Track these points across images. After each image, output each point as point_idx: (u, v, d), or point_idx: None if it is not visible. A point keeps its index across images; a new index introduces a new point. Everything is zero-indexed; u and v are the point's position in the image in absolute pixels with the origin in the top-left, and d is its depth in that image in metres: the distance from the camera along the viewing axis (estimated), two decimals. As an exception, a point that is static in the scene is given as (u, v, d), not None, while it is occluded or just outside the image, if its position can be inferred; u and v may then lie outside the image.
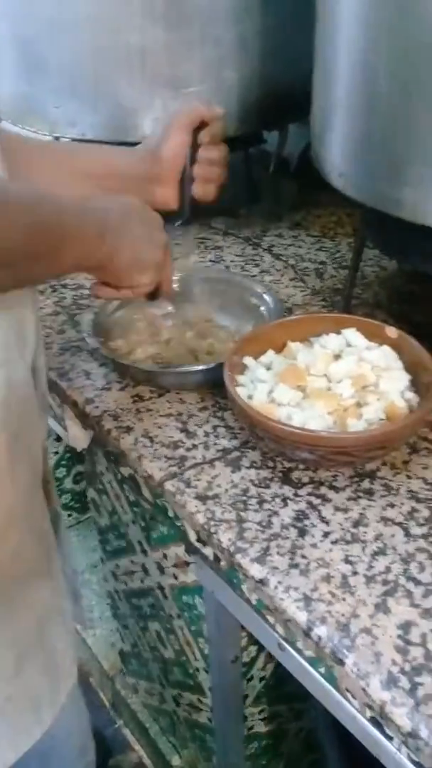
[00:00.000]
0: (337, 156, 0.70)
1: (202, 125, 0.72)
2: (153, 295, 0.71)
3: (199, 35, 0.92)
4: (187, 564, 0.80)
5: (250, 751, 1.01)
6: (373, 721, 0.52)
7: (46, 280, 0.59)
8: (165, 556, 0.86)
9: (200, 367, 0.77)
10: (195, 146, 0.71)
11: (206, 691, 0.93)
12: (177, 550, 0.82)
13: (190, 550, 0.76)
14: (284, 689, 0.96)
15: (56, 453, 1.59)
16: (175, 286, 0.76)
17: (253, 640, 0.84)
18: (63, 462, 1.61)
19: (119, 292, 0.66)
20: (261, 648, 0.87)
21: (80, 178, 0.71)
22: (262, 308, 0.86)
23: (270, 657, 0.89)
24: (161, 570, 0.89)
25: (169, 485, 0.67)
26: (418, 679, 0.49)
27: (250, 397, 0.67)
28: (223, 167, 0.74)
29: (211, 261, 1.06)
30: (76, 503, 1.70)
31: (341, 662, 0.51)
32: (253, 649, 0.87)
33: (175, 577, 0.86)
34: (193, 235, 0.77)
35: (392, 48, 0.60)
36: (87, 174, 0.71)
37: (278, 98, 1.00)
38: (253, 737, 0.99)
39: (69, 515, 1.72)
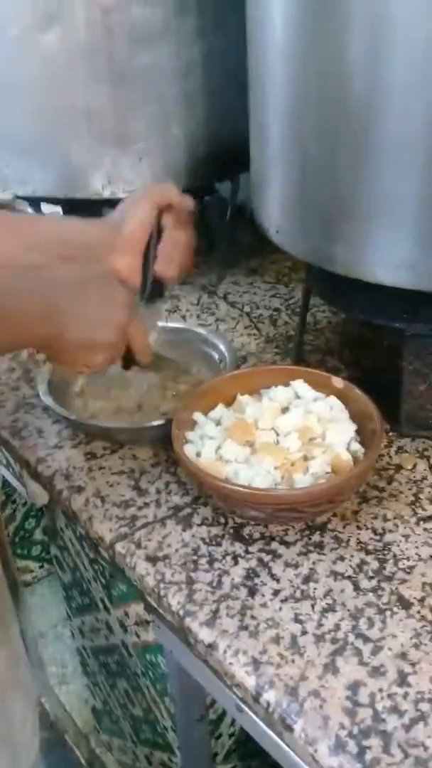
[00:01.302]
0: (274, 212, 0.72)
1: (169, 208, 0.71)
2: (127, 365, 0.68)
3: (143, 94, 0.93)
4: (148, 622, 0.79)
5: (224, 810, 0.98)
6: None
7: None
8: (126, 614, 0.85)
9: (153, 424, 0.77)
10: (159, 227, 0.70)
11: (175, 750, 0.91)
12: (137, 609, 0.81)
13: (149, 609, 0.75)
14: (256, 744, 0.94)
15: (25, 504, 1.57)
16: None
17: (217, 697, 0.82)
18: (32, 513, 1.59)
19: (71, 368, 0.62)
20: (226, 704, 0.85)
21: (34, 247, 0.70)
22: (218, 358, 0.87)
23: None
24: (124, 628, 0.88)
25: (119, 547, 0.66)
26: (365, 743, 0.48)
27: (198, 454, 0.67)
28: (189, 251, 0.73)
29: (167, 310, 1.07)
30: (46, 554, 1.67)
31: (290, 728, 0.50)
32: (219, 706, 0.85)
33: (138, 636, 0.85)
34: (158, 312, 0.76)
35: (317, 110, 0.61)
36: (43, 243, 0.70)
37: (225, 152, 1.02)
38: (226, 795, 0.97)
39: (40, 566, 1.70)
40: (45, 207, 1.14)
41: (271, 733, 0.58)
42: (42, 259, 0.68)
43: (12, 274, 0.54)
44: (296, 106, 0.64)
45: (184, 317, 1.05)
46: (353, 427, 0.68)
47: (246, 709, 0.60)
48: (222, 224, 1.27)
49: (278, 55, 0.64)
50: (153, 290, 0.70)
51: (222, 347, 0.87)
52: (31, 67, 0.93)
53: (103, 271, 0.68)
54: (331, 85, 0.60)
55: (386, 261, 0.60)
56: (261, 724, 0.59)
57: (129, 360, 0.68)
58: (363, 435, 0.67)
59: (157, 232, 0.70)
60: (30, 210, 1.13)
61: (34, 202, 1.13)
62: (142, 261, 0.70)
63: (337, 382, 0.71)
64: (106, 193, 0.98)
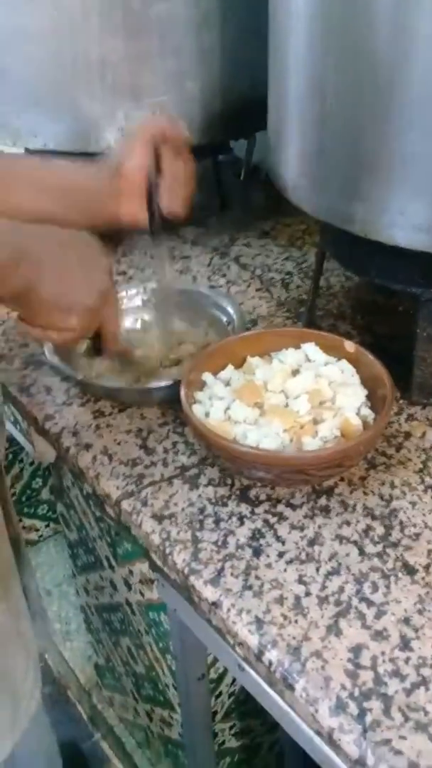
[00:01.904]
0: (291, 170, 0.70)
1: (164, 140, 0.70)
2: (97, 350, 0.65)
3: (159, 46, 0.91)
4: (152, 581, 0.80)
5: (223, 766, 1.00)
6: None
7: None
8: (131, 572, 0.85)
9: (160, 384, 0.76)
10: (158, 161, 0.70)
11: (176, 707, 0.93)
12: (142, 567, 0.81)
13: (154, 567, 0.75)
14: (255, 704, 0.95)
15: (32, 464, 1.58)
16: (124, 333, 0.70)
17: (219, 657, 0.83)
18: (38, 473, 1.60)
19: (43, 332, 0.58)
20: (227, 664, 0.86)
21: (41, 192, 0.69)
22: (226, 320, 0.86)
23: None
24: (128, 586, 0.89)
25: (125, 504, 0.66)
26: (366, 705, 0.48)
27: (207, 414, 0.66)
28: (189, 181, 0.72)
29: (178, 271, 1.05)
30: (53, 513, 1.69)
31: (291, 687, 0.50)
32: (220, 665, 0.86)
33: (142, 594, 0.85)
34: (166, 248, 0.74)
35: (339, 66, 0.59)
36: (48, 188, 0.69)
37: (242, 108, 0.99)
38: (225, 752, 0.99)
39: (46, 525, 1.71)
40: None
41: (271, 692, 0.58)
42: (48, 205, 0.68)
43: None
44: (318, 60, 0.62)
45: (194, 278, 1.03)
46: (364, 392, 0.67)
47: (247, 668, 0.61)
48: (236, 184, 1.24)
49: (299, 5, 0.62)
50: (161, 225, 0.70)
51: (231, 309, 0.86)
52: (44, 15, 0.90)
53: (111, 215, 0.68)
54: (355, 38, 0.57)
55: (405, 222, 0.59)
56: (262, 683, 0.59)
57: (97, 348, 0.65)
58: (373, 400, 0.66)
59: (156, 166, 0.69)
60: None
61: (45, 156, 1.11)
62: (147, 197, 0.69)
63: (349, 346, 0.70)
64: (119, 148, 0.96)
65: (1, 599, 0.67)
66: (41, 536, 1.72)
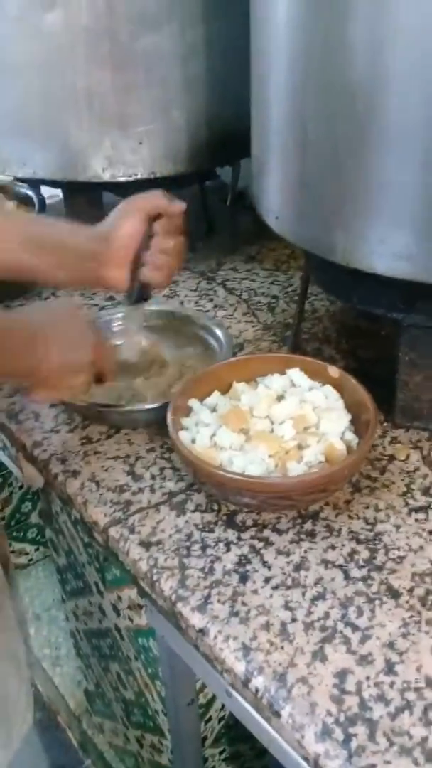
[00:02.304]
0: (274, 199, 0.71)
1: (159, 216, 0.74)
2: (99, 380, 0.72)
3: (146, 77, 0.93)
4: (140, 607, 0.80)
5: (213, 792, 0.99)
6: (315, 770, 0.52)
7: None
8: (120, 598, 0.85)
9: (147, 407, 0.77)
10: (150, 234, 0.74)
11: (166, 733, 0.92)
12: (130, 593, 0.81)
13: (142, 593, 0.75)
14: (244, 729, 0.95)
15: (21, 487, 1.57)
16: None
17: (208, 682, 0.83)
18: (28, 497, 1.59)
19: (54, 394, 0.68)
20: (217, 689, 0.86)
21: (31, 248, 0.72)
22: (215, 345, 0.87)
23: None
24: (117, 612, 0.89)
25: (113, 531, 0.67)
26: (351, 730, 0.48)
27: (193, 440, 0.67)
28: (177, 258, 0.76)
29: (165, 296, 1.07)
30: (42, 537, 1.68)
31: (278, 714, 0.51)
32: (209, 690, 0.86)
33: (130, 620, 0.85)
34: (141, 316, 0.81)
35: (317, 98, 0.61)
36: (38, 245, 0.72)
37: (227, 136, 1.01)
38: (215, 778, 0.98)
39: (36, 549, 1.70)
40: (45, 190, 1.13)
41: (259, 718, 0.59)
42: (39, 263, 0.71)
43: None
44: (298, 92, 0.63)
45: (182, 303, 1.04)
46: (348, 416, 0.68)
47: (235, 694, 0.61)
48: (222, 209, 1.26)
49: (281, 40, 0.64)
50: (139, 295, 0.76)
51: (219, 333, 0.87)
52: (32, 47, 0.92)
53: (94, 279, 0.74)
54: (333, 71, 0.59)
55: (384, 251, 0.60)
56: (249, 709, 0.60)
57: (99, 378, 0.71)
58: (357, 425, 0.67)
59: (147, 239, 0.72)
60: (30, 192, 1.13)
61: (34, 184, 1.12)
62: (132, 269, 0.72)
63: (333, 371, 0.71)
64: (106, 176, 0.98)
65: (-8, 623, 0.67)
66: (31, 560, 1.71)
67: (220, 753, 0.96)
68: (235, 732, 0.95)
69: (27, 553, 1.69)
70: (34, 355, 0.61)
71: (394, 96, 0.56)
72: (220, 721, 0.91)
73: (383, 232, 0.60)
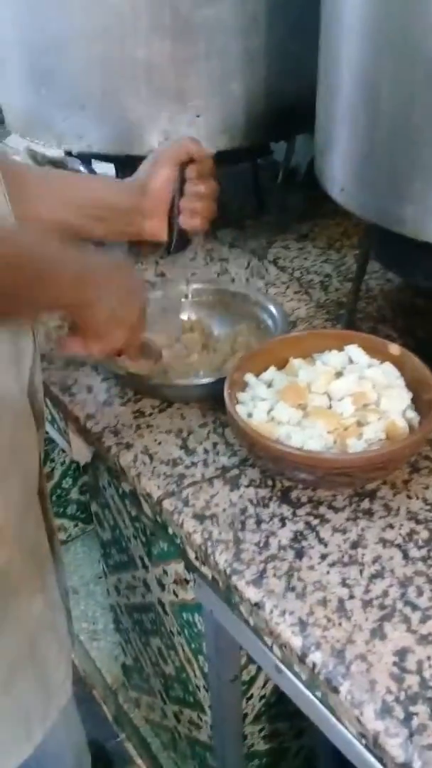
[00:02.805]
0: (339, 171, 0.70)
1: (190, 161, 0.75)
2: (118, 354, 0.71)
3: (205, 49, 0.91)
4: (187, 582, 0.80)
5: (251, 770, 1.00)
6: (369, 749, 0.51)
7: (22, 317, 0.59)
8: (165, 572, 0.86)
9: (201, 382, 0.77)
10: (183, 181, 0.74)
11: (206, 709, 0.93)
12: (177, 567, 0.81)
13: (190, 567, 0.75)
14: (285, 708, 0.95)
15: (63, 463, 1.59)
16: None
17: (252, 659, 0.83)
18: (69, 472, 1.61)
19: (87, 346, 0.65)
20: (261, 667, 0.86)
21: (73, 208, 0.73)
22: (269, 321, 0.86)
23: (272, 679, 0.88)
24: (162, 586, 0.89)
25: (167, 504, 0.66)
26: (412, 709, 0.48)
27: (249, 415, 0.66)
28: (211, 202, 0.77)
29: (216, 273, 1.06)
30: (81, 513, 1.70)
31: (336, 690, 0.50)
32: (252, 667, 0.86)
33: (176, 594, 0.85)
34: (183, 263, 0.81)
35: (394, 66, 0.59)
36: (79, 205, 0.74)
37: (285, 110, 0.99)
38: (253, 755, 0.98)
39: (75, 525, 1.72)
40: (96, 165, 1.13)
41: (309, 695, 0.58)
42: (80, 220, 0.71)
43: (47, 240, 0.57)
44: (371, 61, 0.61)
45: (233, 280, 1.03)
46: (409, 395, 0.66)
47: (285, 670, 0.61)
48: (273, 187, 1.25)
49: (354, 5, 0.62)
50: (178, 242, 0.76)
51: (273, 310, 0.86)
52: (93, 17, 0.91)
53: (134, 231, 0.75)
54: (410, 38, 0.57)
55: (456, 224, 0.59)
56: (300, 685, 0.59)
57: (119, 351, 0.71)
58: (418, 404, 0.66)
59: (180, 186, 0.72)
60: (82, 168, 1.13)
61: (86, 160, 1.12)
62: (168, 216, 0.74)
63: (394, 349, 0.70)
64: (162, 150, 0.97)
65: (39, 591, 0.67)
66: (69, 536, 1.73)
67: (260, 731, 0.96)
68: (276, 710, 0.94)
69: (66, 529, 1.71)
70: (83, 294, 0.60)
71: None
72: (261, 699, 0.91)
73: (456, 204, 0.58)
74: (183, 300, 0.90)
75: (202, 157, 0.75)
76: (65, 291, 0.59)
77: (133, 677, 1.28)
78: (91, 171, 1.12)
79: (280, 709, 0.95)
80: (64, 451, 1.55)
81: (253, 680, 0.88)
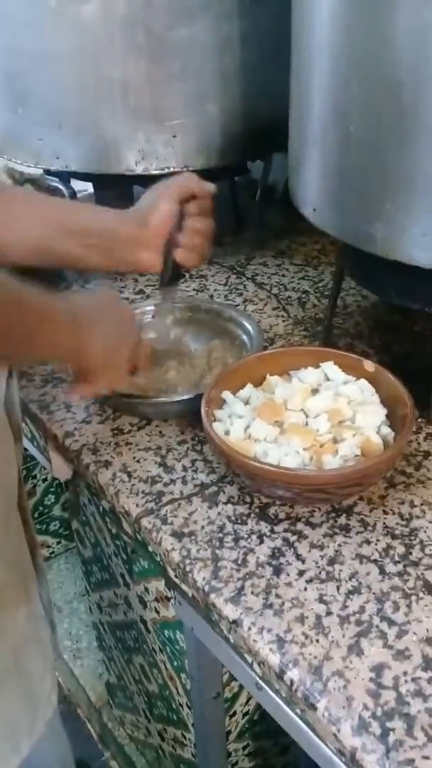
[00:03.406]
0: (312, 191, 0.71)
1: (190, 197, 0.75)
2: (132, 373, 0.73)
3: (180, 69, 0.92)
4: (168, 599, 0.79)
5: (235, 788, 0.99)
6: (348, 765, 0.52)
7: (21, 363, 0.60)
8: (147, 589, 0.85)
9: (179, 398, 0.77)
10: (182, 216, 0.75)
11: (189, 727, 0.92)
12: (158, 585, 0.81)
13: (170, 585, 0.75)
14: (268, 725, 0.95)
15: (45, 480, 1.58)
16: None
17: (234, 676, 0.83)
18: (51, 489, 1.60)
19: (93, 387, 0.68)
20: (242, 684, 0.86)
21: (64, 233, 0.73)
22: (244, 337, 0.86)
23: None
24: (143, 604, 0.89)
25: (145, 522, 0.66)
26: (389, 725, 0.48)
27: (227, 432, 0.67)
28: (208, 240, 0.77)
29: (194, 290, 1.06)
30: (65, 530, 1.69)
31: (313, 707, 0.50)
32: (235, 684, 0.86)
33: (157, 612, 0.85)
34: (172, 297, 0.82)
35: (361, 89, 0.60)
36: (71, 231, 0.73)
37: (261, 130, 1.01)
38: (238, 773, 0.98)
39: (58, 542, 1.71)
40: (75, 183, 1.13)
41: (289, 711, 0.58)
42: (70, 246, 0.72)
43: (34, 289, 0.56)
44: (340, 83, 0.63)
45: (211, 297, 1.04)
46: (384, 411, 0.67)
47: (266, 687, 0.61)
48: (252, 205, 1.26)
49: (323, 31, 0.63)
50: (172, 276, 0.77)
51: (248, 326, 0.86)
52: (68, 38, 0.92)
53: (129, 262, 0.75)
54: (378, 63, 0.58)
55: (426, 243, 0.59)
56: (280, 702, 0.59)
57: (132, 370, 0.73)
58: (393, 420, 0.67)
59: (179, 221, 0.73)
60: (60, 186, 1.13)
61: (64, 178, 1.12)
62: (165, 250, 0.74)
63: (369, 365, 0.71)
64: (139, 169, 0.98)
65: (21, 603, 0.67)
66: (53, 553, 1.72)
67: (244, 748, 0.95)
68: (259, 727, 0.94)
69: (49, 546, 1.70)
70: (77, 338, 0.61)
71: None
72: (244, 716, 0.91)
73: (426, 224, 0.59)
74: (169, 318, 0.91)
75: (204, 194, 0.75)
76: (62, 336, 0.60)
77: (117, 695, 1.28)
78: (69, 188, 1.12)
79: (264, 726, 0.95)
80: (46, 468, 1.55)
81: (235, 697, 0.88)
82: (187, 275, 0.88)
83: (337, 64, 0.62)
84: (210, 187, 0.76)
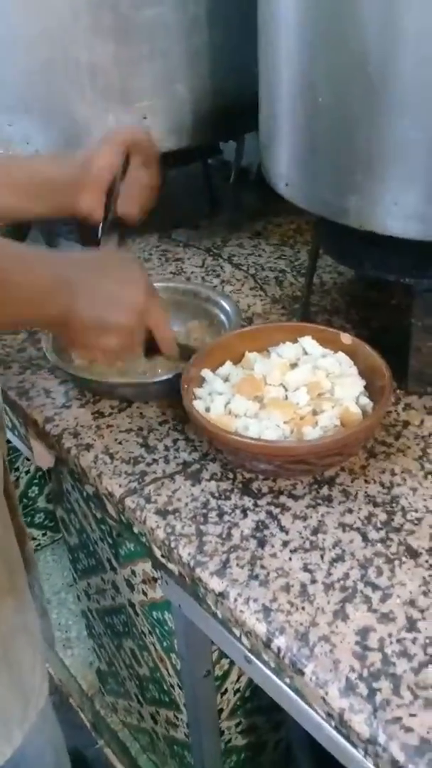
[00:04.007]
0: (284, 165, 0.71)
1: (136, 149, 0.74)
2: (148, 353, 0.68)
3: (148, 50, 0.92)
4: (155, 580, 0.80)
5: (229, 765, 1.00)
6: (338, 729, 0.52)
7: (6, 329, 0.58)
8: (133, 572, 0.86)
9: (158, 379, 0.77)
10: (126, 166, 0.74)
11: (182, 707, 0.93)
12: (144, 566, 0.81)
13: (157, 565, 0.75)
14: (260, 701, 0.96)
15: (27, 472, 1.58)
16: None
17: (224, 653, 0.83)
18: (35, 481, 1.59)
19: (87, 352, 0.66)
20: (233, 661, 0.86)
21: (12, 189, 0.72)
22: (222, 317, 0.86)
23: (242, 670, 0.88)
24: (131, 587, 0.89)
25: (129, 501, 0.67)
26: (375, 685, 0.49)
27: (207, 409, 0.67)
28: (151, 190, 0.76)
29: (171, 273, 1.06)
30: (50, 522, 1.68)
31: (300, 672, 0.51)
32: (225, 662, 0.86)
33: (145, 594, 0.86)
34: (113, 246, 0.78)
35: (327, 60, 0.61)
36: (14, 184, 0.72)
37: (231, 109, 1.01)
38: (231, 751, 0.99)
39: (43, 534, 1.71)
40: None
41: (278, 681, 0.59)
42: (14, 200, 0.70)
43: (18, 250, 0.55)
44: (307, 56, 0.63)
45: (188, 279, 1.04)
46: (362, 382, 0.68)
47: (254, 659, 0.61)
48: (225, 187, 1.26)
49: (290, 6, 0.63)
50: (112, 225, 0.74)
51: (226, 306, 0.86)
52: (34, 21, 0.91)
53: (69, 206, 0.72)
54: (343, 33, 0.59)
55: (398, 212, 0.60)
56: (269, 674, 0.60)
57: (151, 348, 0.67)
58: (371, 391, 0.67)
59: (123, 171, 0.72)
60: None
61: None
62: (106, 198, 0.73)
63: (346, 338, 0.71)
64: (110, 153, 0.97)
65: (8, 593, 0.67)
66: (39, 545, 1.71)
67: (236, 725, 0.96)
68: (251, 704, 0.95)
69: (35, 538, 1.69)
70: (62, 303, 0.56)
71: (406, 56, 0.56)
72: (235, 693, 0.92)
73: (397, 193, 0.60)
74: None
75: (149, 146, 0.74)
76: (41, 303, 0.56)
77: (108, 682, 1.28)
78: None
79: (255, 703, 0.96)
80: (28, 459, 1.55)
81: (226, 675, 0.88)
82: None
83: (303, 35, 0.62)
84: (154, 138, 0.75)
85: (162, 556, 0.66)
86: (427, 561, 0.57)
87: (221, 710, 0.92)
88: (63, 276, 0.57)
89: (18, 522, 0.72)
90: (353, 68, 0.58)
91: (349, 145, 0.61)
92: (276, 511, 0.63)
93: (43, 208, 0.74)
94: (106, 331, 0.60)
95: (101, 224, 0.74)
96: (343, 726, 0.49)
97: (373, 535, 0.60)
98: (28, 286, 0.54)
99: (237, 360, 0.74)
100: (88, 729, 1.39)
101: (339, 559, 0.58)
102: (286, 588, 0.56)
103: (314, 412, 0.65)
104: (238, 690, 0.92)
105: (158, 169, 0.76)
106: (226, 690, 0.90)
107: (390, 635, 0.52)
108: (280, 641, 0.52)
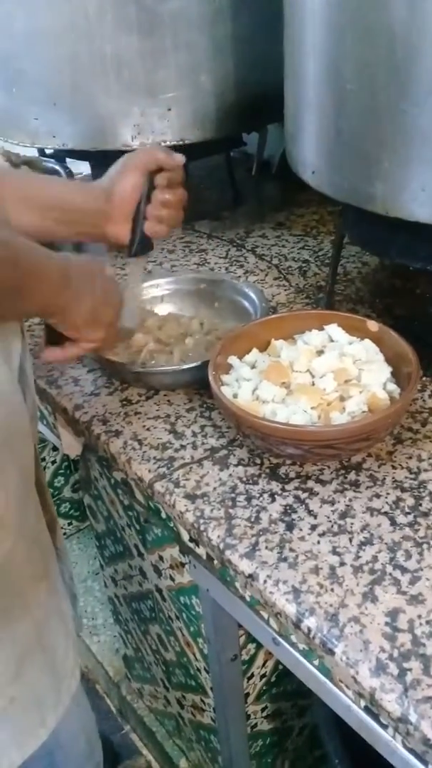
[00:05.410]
0: (310, 154, 0.71)
1: (159, 170, 0.75)
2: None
3: (173, 42, 0.93)
4: (183, 565, 0.81)
5: (255, 750, 1.01)
6: (367, 710, 0.53)
7: (11, 318, 0.61)
8: (161, 558, 0.87)
9: (186, 366, 0.78)
10: (152, 188, 0.75)
11: (208, 691, 0.94)
12: (172, 552, 0.83)
13: (184, 550, 0.77)
14: (286, 686, 0.97)
15: (54, 462, 1.60)
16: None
17: (251, 638, 0.84)
18: (61, 471, 1.62)
19: (66, 352, 0.69)
20: (259, 646, 0.87)
21: (34, 208, 0.74)
22: (247, 305, 0.87)
23: (269, 654, 0.89)
24: (158, 572, 0.90)
25: (158, 486, 0.68)
26: (406, 665, 0.49)
27: (235, 395, 0.68)
28: (178, 210, 0.78)
29: (195, 264, 1.07)
30: (75, 511, 1.71)
31: (331, 652, 0.52)
32: (251, 646, 0.87)
33: (172, 579, 0.87)
34: (142, 267, 0.82)
35: (355, 47, 0.61)
36: (41, 206, 0.74)
37: (255, 101, 1.01)
38: (257, 735, 1.00)
39: (69, 524, 1.73)
40: (72, 164, 1.13)
41: (307, 663, 0.60)
42: (39, 221, 0.73)
43: (29, 244, 0.58)
44: (334, 41, 0.63)
45: (212, 269, 1.05)
46: (389, 368, 0.68)
47: (283, 642, 0.62)
48: (248, 179, 1.26)
49: (316, -9, 0.63)
50: (139, 247, 0.77)
51: (252, 294, 0.87)
52: (60, 15, 0.92)
53: (96, 234, 0.76)
54: (371, 16, 0.59)
55: (426, 198, 0.60)
56: (298, 655, 0.61)
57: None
58: (398, 378, 0.68)
59: (148, 193, 0.73)
60: (57, 167, 1.14)
61: (60, 158, 1.13)
62: (132, 222, 0.75)
63: (372, 325, 0.72)
64: (136, 144, 0.98)
65: (42, 578, 0.69)
66: (65, 534, 1.73)
67: (262, 710, 0.97)
68: (277, 689, 0.96)
69: (60, 527, 1.71)
70: (65, 296, 0.62)
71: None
72: (261, 678, 0.93)
73: (424, 179, 0.60)
74: (143, 289, 0.92)
75: (171, 166, 0.75)
76: (52, 293, 0.61)
77: (134, 668, 1.30)
78: (66, 169, 1.12)
79: (281, 687, 0.97)
80: (55, 449, 1.57)
81: (252, 659, 0.89)
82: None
83: (330, 22, 0.63)
84: (178, 158, 0.76)
85: (191, 539, 0.67)
86: (455, 544, 0.58)
87: (247, 695, 0.93)
88: (68, 271, 0.63)
89: (49, 510, 0.74)
90: (381, 55, 0.58)
91: (376, 131, 0.61)
92: (304, 495, 0.64)
93: (69, 233, 0.77)
94: (99, 324, 0.68)
95: (129, 248, 0.77)
96: (373, 705, 0.49)
97: (401, 519, 0.61)
98: (44, 276, 0.59)
99: (263, 348, 0.75)
100: (114, 715, 1.41)
101: (367, 542, 0.59)
102: (315, 570, 0.57)
103: (341, 398, 0.66)
104: (264, 675, 0.93)
105: (183, 188, 0.77)
106: (252, 675, 0.91)
107: (420, 617, 0.52)
108: (310, 621, 0.53)
